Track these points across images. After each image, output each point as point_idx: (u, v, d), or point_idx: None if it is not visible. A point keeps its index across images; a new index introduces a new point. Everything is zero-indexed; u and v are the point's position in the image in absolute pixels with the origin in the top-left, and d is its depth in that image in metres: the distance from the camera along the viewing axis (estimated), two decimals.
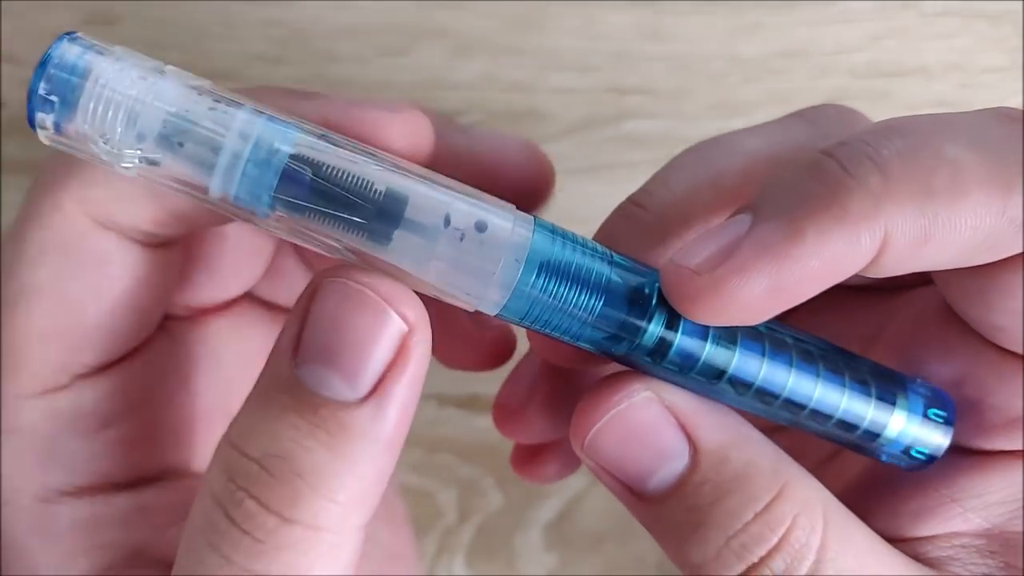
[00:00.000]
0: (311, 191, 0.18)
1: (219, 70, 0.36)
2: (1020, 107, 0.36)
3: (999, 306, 0.20)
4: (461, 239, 0.19)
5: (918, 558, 0.21)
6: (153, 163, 0.18)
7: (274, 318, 0.27)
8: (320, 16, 0.37)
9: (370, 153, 0.19)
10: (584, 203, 0.30)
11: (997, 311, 0.21)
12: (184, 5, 0.36)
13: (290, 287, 0.28)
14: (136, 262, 0.22)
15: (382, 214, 0.19)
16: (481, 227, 0.19)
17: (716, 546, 0.20)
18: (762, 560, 0.20)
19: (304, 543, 0.19)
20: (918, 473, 0.22)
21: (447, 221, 0.19)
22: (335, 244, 0.19)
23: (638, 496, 0.21)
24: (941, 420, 0.22)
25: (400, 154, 0.20)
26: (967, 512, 0.22)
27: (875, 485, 0.23)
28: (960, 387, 0.22)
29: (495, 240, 0.19)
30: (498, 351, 0.28)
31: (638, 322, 0.20)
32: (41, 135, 0.19)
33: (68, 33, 0.18)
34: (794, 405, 0.21)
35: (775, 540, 0.20)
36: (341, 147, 0.19)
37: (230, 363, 0.26)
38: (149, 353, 0.24)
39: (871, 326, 0.25)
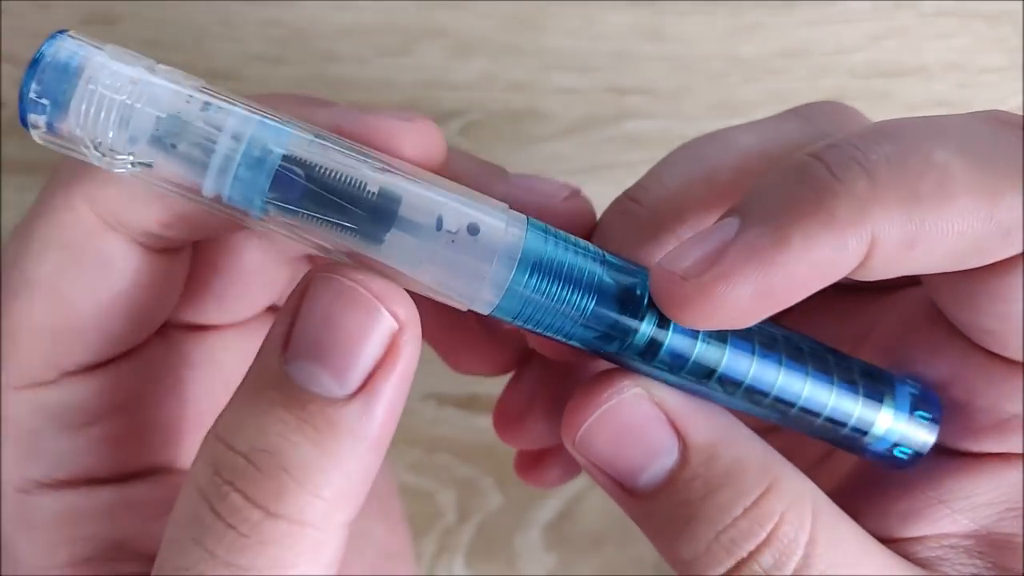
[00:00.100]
0: (304, 192, 0.18)
1: (219, 70, 0.36)
2: (1020, 107, 0.36)
3: (987, 310, 0.20)
4: (454, 239, 0.19)
5: (908, 558, 0.22)
6: (146, 165, 0.18)
7: None
8: (320, 16, 0.37)
9: (363, 153, 0.19)
10: None
11: (985, 315, 0.21)
12: (184, 5, 0.36)
13: None
14: (139, 266, 0.22)
15: (375, 215, 0.19)
16: (474, 227, 0.19)
17: (706, 541, 0.20)
18: (751, 555, 0.20)
19: (289, 538, 0.19)
20: (907, 475, 0.22)
21: (440, 221, 0.19)
22: (328, 244, 0.19)
23: (629, 492, 0.21)
24: (928, 419, 0.22)
25: (413, 163, 0.20)
26: (955, 513, 0.22)
27: (864, 487, 0.23)
28: (948, 389, 0.22)
29: (488, 240, 0.19)
30: (507, 356, 0.28)
31: (629, 322, 0.20)
32: (34, 134, 0.19)
33: (60, 31, 0.18)
34: (783, 403, 0.21)
35: (764, 535, 0.20)
36: (334, 148, 0.19)
37: (232, 367, 0.26)
38: (144, 356, 0.24)
39: (861, 326, 0.25)
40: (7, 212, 0.35)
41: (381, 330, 0.19)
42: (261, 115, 0.19)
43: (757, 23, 0.38)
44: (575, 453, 0.21)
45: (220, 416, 0.20)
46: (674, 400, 0.21)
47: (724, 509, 0.20)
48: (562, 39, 0.38)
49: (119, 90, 0.18)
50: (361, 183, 0.19)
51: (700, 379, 0.21)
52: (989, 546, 0.22)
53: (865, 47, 0.38)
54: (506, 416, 0.26)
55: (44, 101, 0.18)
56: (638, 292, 0.20)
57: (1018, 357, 0.21)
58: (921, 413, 0.22)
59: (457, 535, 0.36)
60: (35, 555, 0.23)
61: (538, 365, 0.26)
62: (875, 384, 0.22)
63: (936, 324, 0.22)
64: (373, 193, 0.19)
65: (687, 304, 0.19)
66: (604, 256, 0.20)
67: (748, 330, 0.21)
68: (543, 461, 0.28)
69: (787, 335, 0.21)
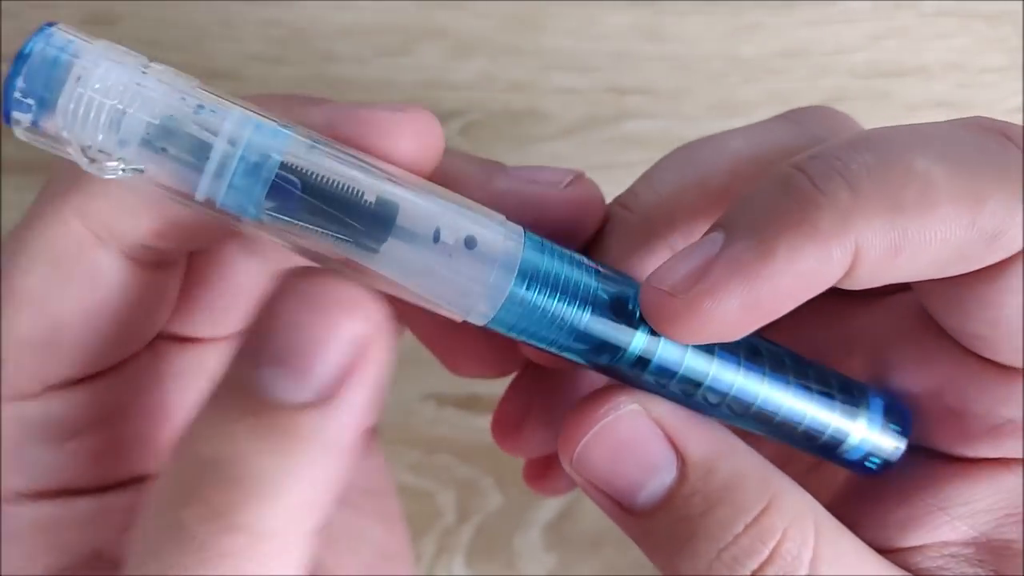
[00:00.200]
0: (300, 200, 0.18)
1: (219, 70, 0.36)
2: (1020, 107, 0.36)
3: (977, 316, 0.20)
4: (451, 251, 0.19)
5: (908, 569, 0.21)
6: (137, 171, 0.18)
7: None
8: (320, 16, 0.37)
9: (361, 160, 0.19)
10: None
11: (975, 321, 0.21)
12: (184, 5, 0.36)
13: None
14: (129, 281, 0.22)
15: (372, 224, 0.18)
16: (471, 239, 0.19)
17: (707, 559, 0.20)
18: (754, 574, 0.20)
19: (249, 549, 0.18)
20: (904, 483, 0.22)
21: (437, 232, 0.19)
22: (323, 252, 0.19)
23: (627, 511, 0.21)
24: (898, 431, 0.22)
25: (410, 155, 0.20)
26: (954, 520, 0.22)
27: (860, 496, 0.23)
28: (941, 395, 0.22)
29: (485, 253, 0.19)
30: (506, 360, 0.28)
31: (622, 335, 0.20)
32: (17, 131, 0.18)
33: (49, 24, 0.17)
34: (766, 413, 0.21)
35: (767, 553, 0.20)
36: (330, 155, 0.19)
37: None
38: (130, 368, 0.24)
39: (852, 332, 0.25)
40: (7, 212, 0.35)
41: (345, 335, 0.18)
42: (257, 118, 0.18)
43: (757, 23, 0.38)
44: (572, 472, 0.21)
45: (189, 422, 0.19)
46: (671, 415, 0.21)
47: (725, 526, 0.20)
48: (562, 39, 0.38)
49: (109, 92, 0.17)
50: (358, 192, 0.18)
51: (689, 390, 0.21)
52: (989, 553, 0.21)
53: (865, 47, 0.38)
54: (504, 425, 0.26)
55: (29, 101, 0.17)
56: (630, 307, 0.20)
57: (1009, 362, 0.21)
58: (892, 424, 0.22)
59: (457, 535, 0.36)
60: (14, 565, 0.22)
61: (534, 373, 0.26)
62: (850, 394, 0.22)
63: (927, 329, 0.22)
64: (370, 202, 0.18)
65: (676, 320, 0.19)
66: (599, 269, 0.20)
67: (736, 342, 0.21)
68: (552, 469, 0.28)
69: (769, 346, 0.22)
